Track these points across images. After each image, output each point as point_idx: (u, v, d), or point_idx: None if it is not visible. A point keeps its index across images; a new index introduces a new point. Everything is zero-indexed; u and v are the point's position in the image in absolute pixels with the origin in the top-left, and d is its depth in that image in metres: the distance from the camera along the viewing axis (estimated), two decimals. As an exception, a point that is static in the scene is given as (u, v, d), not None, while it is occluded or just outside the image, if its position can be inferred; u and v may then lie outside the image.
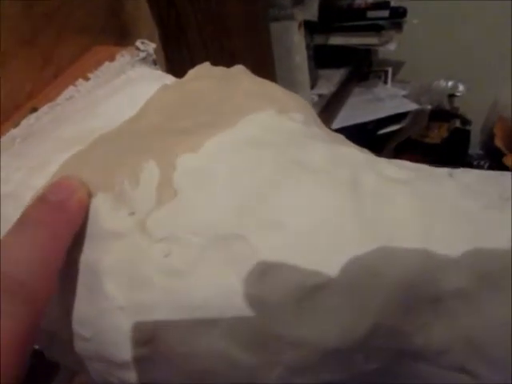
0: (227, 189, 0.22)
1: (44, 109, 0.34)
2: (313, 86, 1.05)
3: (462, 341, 0.19)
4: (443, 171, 0.26)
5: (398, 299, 0.19)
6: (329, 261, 0.20)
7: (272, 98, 0.28)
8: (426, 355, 0.20)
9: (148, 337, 0.21)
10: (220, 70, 0.32)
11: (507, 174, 0.26)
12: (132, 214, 0.22)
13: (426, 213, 0.21)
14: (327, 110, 1.07)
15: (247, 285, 0.20)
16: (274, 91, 0.30)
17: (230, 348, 0.20)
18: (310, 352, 0.19)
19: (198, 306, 0.20)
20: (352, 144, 0.27)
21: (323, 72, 1.13)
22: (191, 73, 0.32)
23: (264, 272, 0.20)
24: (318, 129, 0.28)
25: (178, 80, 0.32)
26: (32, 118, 0.33)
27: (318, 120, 0.30)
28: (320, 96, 1.04)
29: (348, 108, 1.20)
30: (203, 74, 0.31)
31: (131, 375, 0.22)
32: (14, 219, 0.22)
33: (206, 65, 0.33)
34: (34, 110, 0.34)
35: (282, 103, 0.28)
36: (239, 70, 0.32)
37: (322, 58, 1.11)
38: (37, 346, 0.27)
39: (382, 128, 1.17)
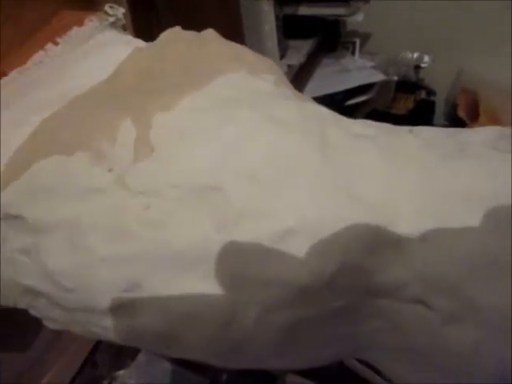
0: (202, 143, 0.23)
1: (14, 73, 0.34)
2: (282, 57, 1.05)
3: (418, 275, 0.21)
4: (404, 128, 0.28)
5: (362, 241, 0.21)
6: (299, 208, 0.21)
7: (243, 59, 0.29)
8: (387, 291, 0.22)
9: (129, 285, 0.22)
10: (191, 34, 0.33)
11: (463, 129, 0.28)
12: (111, 170, 0.23)
13: (388, 163, 0.23)
14: (296, 81, 1.08)
15: (222, 232, 0.21)
16: (245, 54, 0.31)
17: (209, 290, 0.21)
18: (282, 291, 0.21)
19: (177, 254, 0.21)
20: (320, 105, 0.28)
21: (292, 43, 1.13)
22: (163, 36, 0.32)
23: (237, 220, 0.21)
24: (289, 89, 0.29)
25: (150, 43, 0.32)
26: (2, 82, 0.33)
27: (288, 82, 0.31)
28: (289, 66, 1.05)
29: (317, 79, 1.21)
30: (175, 37, 0.32)
31: (114, 323, 0.23)
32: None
33: (177, 29, 0.33)
34: (3, 74, 0.34)
35: (252, 65, 0.29)
36: (210, 33, 0.33)
37: (291, 29, 1.11)
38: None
39: (349, 99, 1.19)
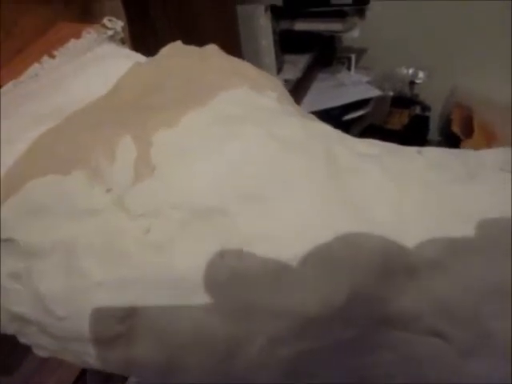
0: (205, 163, 0.22)
1: (8, 86, 0.32)
2: (279, 71, 1.05)
3: (433, 305, 0.20)
4: (412, 149, 0.27)
5: (374, 269, 0.20)
6: (307, 233, 0.20)
7: (246, 76, 0.29)
8: (401, 321, 0.20)
9: (127, 312, 0.21)
10: (193, 49, 0.32)
11: (470, 151, 0.27)
12: (109, 190, 0.22)
13: (396, 184, 0.22)
14: (293, 96, 1.07)
15: (227, 258, 0.20)
16: (247, 70, 0.30)
17: (211, 320, 0.20)
18: (291, 321, 0.20)
19: (178, 280, 0.20)
20: (323, 123, 0.27)
21: (289, 57, 1.13)
22: (164, 51, 0.31)
23: (244, 245, 0.20)
24: (291, 106, 0.28)
25: (150, 58, 0.31)
26: (-5, 95, 0.32)
27: (291, 99, 0.31)
28: (286, 81, 1.04)
29: (313, 94, 1.21)
30: (176, 52, 0.31)
31: (109, 353, 0.22)
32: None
33: (178, 43, 0.32)
34: (-3, 87, 0.33)
35: (255, 81, 0.28)
36: (212, 48, 0.32)
37: (287, 44, 1.11)
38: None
39: (346, 114, 1.19)
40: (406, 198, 0.22)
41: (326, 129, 0.26)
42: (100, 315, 0.21)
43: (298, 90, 1.15)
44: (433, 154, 0.26)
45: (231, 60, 0.31)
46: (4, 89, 0.32)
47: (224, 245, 0.20)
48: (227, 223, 0.20)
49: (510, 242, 0.20)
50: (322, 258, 0.20)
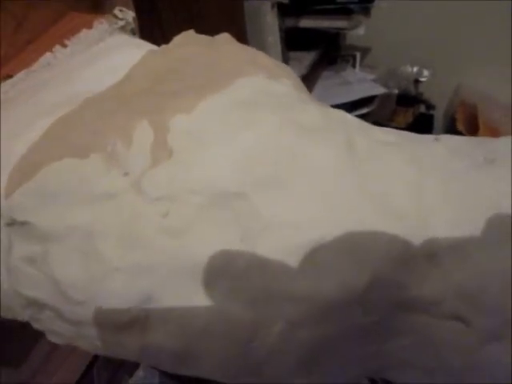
0: (224, 147, 0.22)
1: (20, 75, 0.32)
2: (284, 68, 1.05)
3: (454, 291, 0.20)
4: (429, 136, 0.27)
5: (395, 256, 0.20)
6: (328, 218, 0.20)
7: (261, 64, 0.28)
8: (422, 306, 0.20)
9: (143, 298, 0.20)
10: (206, 38, 0.32)
11: (490, 138, 0.27)
12: (126, 174, 0.22)
13: (416, 171, 0.22)
14: (298, 93, 1.07)
15: (248, 243, 0.20)
16: (262, 58, 0.30)
17: (230, 306, 0.20)
18: (310, 306, 0.19)
19: (197, 266, 0.20)
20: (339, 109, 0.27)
21: (294, 54, 1.13)
22: (177, 39, 0.31)
23: (265, 230, 0.20)
24: (306, 95, 0.28)
25: (163, 46, 0.31)
26: (7, 84, 0.32)
27: (305, 88, 0.30)
28: (291, 78, 1.04)
29: (318, 91, 1.21)
30: (189, 40, 0.31)
31: (125, 338, 0.22)
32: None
33: (191, 32, 0.32)
34: (9, 76, 0.32)
35: (270, 70, 0.28)
36: (225, 37, 0.32)
37: (292, 41, 1.11)
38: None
39: (351, 111, 1.19)
40: (427, 185, 0.22)
41: (345, 115, 0.25)
42: (116, 300, 0.21)
43: (303, 88, 1.14)
44: (450, 141, 0.26)
45: (245, 48, 0.30)
46: (16, 78, 0.32)
47: (243, 230, 0.20)
48: (246, 208, 0.20)
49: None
50: (342, 243, 0.20)
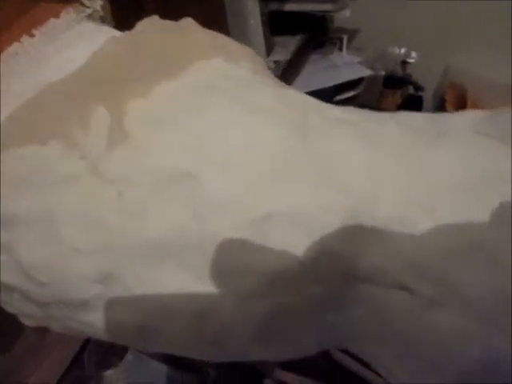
0: (177, 130, 0.22)
1: (-13, 65, 0.33)
2: (269, 53, 1.04)
3: (398, 260, 0.21)
4: (386, 114, 0.28)
5: (340, 226, 0.21)
6: (276, 194, 0.21)
7: (221, 47, 0.29)
8: (369, 276, 0.21)
9: (104, 275, 0.21)
10: (168, 23, 0.32)
11: (446, 114, 0.28)
12: (83, 157, 0.22)
13: (370, 149, 0.23)
14: (284, 77, 1.07)
15: (199, 220, 0.21)
16: (222, 41, 0.30)
17: (185, 281, 0.21)
18: (260, 279, 0.20)
19: (152, 244, 0.21)
20: (301, 92, 0.28)
21: (279, 39, 1.12)
22: (139, 25, 0.31)
23: (215, 207, 0.21)
24: (268, 78, 0.29)
25: (126, 32, 0.31)
26: (-26, 74, 0.32)
27: (268, 71, 0.31)
28: (276, 63, 1.04)
29: (305, 75, 1.21)
30: (151, 26, 0.31)
31: (90, 315, 0.23)
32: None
33: (155, 17, 0.33)
34: (-23, 66, 0.33)
35: (230, 52, 0.29)
36: (188, 22, 0.32)
37: (277, 25, 1.11)
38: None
39: (338, 94, 1.19)
40: (377, 160, 0.23)
41: (302, 97, 0.26)
42: (78, 280, 0.22)
43: (289, 71, 1.14)
44: (406, 118, 0.27)
45: (207, 33, 0.31)
46: (-16, 68, 0.32)
47: (195, 208, 0.21)
48: (198, 187, 0.21)
49: (481, 200, 0.21)
50: (290, 218, 0.20)
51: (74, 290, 0.22)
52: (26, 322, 0.27)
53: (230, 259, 0.20)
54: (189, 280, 0.21)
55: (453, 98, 1.49)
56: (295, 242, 0.20)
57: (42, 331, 0.54)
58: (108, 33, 0.34)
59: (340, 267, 0.21)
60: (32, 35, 0.35)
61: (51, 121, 0.24)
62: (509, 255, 0.18)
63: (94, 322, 0.23)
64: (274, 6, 1.08)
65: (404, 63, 1.41)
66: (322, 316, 0.23)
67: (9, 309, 0.27)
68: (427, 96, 1.50)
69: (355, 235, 0.21)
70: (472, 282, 0.19)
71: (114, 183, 0.21)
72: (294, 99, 0.25)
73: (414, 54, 1.43)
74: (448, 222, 0.21)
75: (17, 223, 0.23)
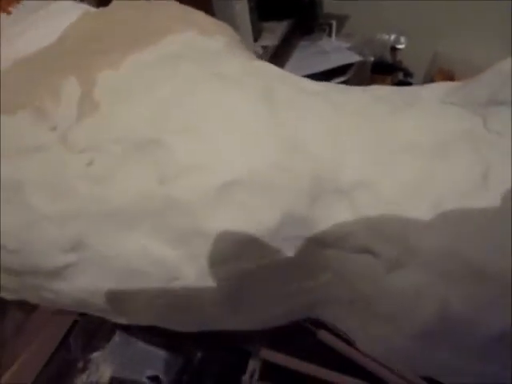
0: (145, 100, 0.22)
1: (-38, 41, 0.33)
2: (256, 39, 1.04)
3: (363, 225, 0.21)
4: (357, 87, 0.28)
5: (305, 191, 0.21)
6: (241, 160, 0.21)
7: (195, 22, 0.29)
8: (334, 241, 0.22)
9: (74, 243, 0.22)
10: (144, 1, 0.32)
11: (416, 87, 0.28)
12: (53, 128, 0.22)
13: (335, 116, 0.23)
14: (272, 63, 1.07)
15: (165, 186, 0.21)
16: (198, 17, 0.30)
17: (153, 246, 0.21)
18: (226, 244, 0.21)
19: (120, 209, 0.21)
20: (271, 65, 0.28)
21: (267, 25, 1.12)
22: (114, 1, 0.31)
23: (181, 173, 0.21)
24: (240, 50, 0.29)
25: (101, 8, 0.31)
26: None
27: (242, 45, 0.31)
28: (264, 48, 1.04)
29: (294, 61, 1.20)
30: (127, 2, 0.31)
31: (62, 284, 0.23)
32: None
33: (130, -6, 0.33)
34: (-48, 43, 0.33)
35: (204, 27, 0.29)
36: (163, -2, 0.32)
37: (265, 11, 1.10)
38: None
39: (327, 80, 1.19)
40: (343, 127, 0.23)
41: (270, 68, 0.26)
42: (48, 247, 0.22)
43: (278, 57, 1.14)
44: (377, 90, 0.27)
45: (181, 8, 0.31)
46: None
47: (161, 174, 0.21)
48: (163, 154, 0.21)
49: (439, 160, 0.21)
50: (254, 183, 0.21)
51: (45, 258, 0.22)
52: (5, 295, 0.27)
53: (197, 224, 0.21)
54: (155, 245, 0.21)
55: (442, 84, 1.49)
56: (261, 207, 0.21)
57: (27, 311, 0.54)
58: (81, 9, 0.34)
59: (304, 232, 0.21)
60: (9, 12, 0.35)
61: (21, 91, 0.24)
62: (465, 218, 0.19)
63: (66, 290, 0.23)
64: (261, -9, 1.07)
65: (393, 49, 1.41)
66: (292, 283, 0.23)
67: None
68: (416, 82, 1.51)
69: (321, 199, 0.21)
70: (430, 244, 0.20)
71: (83, 152, 0.22)
72: (263, 70, 0.25)
73: (403, 39, 1.42)
74: (409, 184, 0.21)
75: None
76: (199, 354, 0.61)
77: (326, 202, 0.21)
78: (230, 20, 0.89)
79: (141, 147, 0.21)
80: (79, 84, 0.23)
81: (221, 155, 0.21)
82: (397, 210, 0.21)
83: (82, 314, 0.66)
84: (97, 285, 0.22)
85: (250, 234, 0.21)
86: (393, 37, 1.42)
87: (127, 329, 0.63)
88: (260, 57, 1.04)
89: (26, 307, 0.54)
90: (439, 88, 0.26)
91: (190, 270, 0.21)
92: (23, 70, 0.25)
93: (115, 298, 0.23)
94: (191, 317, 0.23)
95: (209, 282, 0.21)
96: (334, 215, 0.21)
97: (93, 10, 0.33)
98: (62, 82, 0.23)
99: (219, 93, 0.22)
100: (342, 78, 1.24)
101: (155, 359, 0.62)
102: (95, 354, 0.61)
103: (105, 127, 0.22)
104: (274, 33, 1.10)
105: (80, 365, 0.60)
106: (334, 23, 1.36)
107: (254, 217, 0.21)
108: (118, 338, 0.63)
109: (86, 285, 0.23)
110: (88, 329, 0.63)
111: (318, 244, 0.22)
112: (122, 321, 0.25)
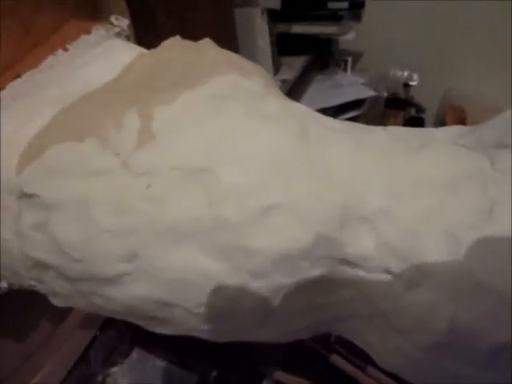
0: (197, 132, 0.26)
1: (27, 75, 0.37)
2: (276, 72, 1.09)
3: (383, 248, 0.24)
4: (378, 127, 0.32)
5: (334, 217, 0.24)
6: (279, 187, 0.24)
7: (236, 64, 0.33)
8: (358, 261, 0.25)
9: (130, 254, 0.25)
10: (190, 43, 0.36)
11: (431, 129, 0.32)
12: (117, 154, 0.26)
13: (360, 152, 0.26)
14: (290, 96, 1.11)
15: (215, 208, 0.24)
16: (238, 60, 0.34)
17: (201, 259, 0.24)
18: (264, 259, 0.24)
19: (173, 227, 0.25)
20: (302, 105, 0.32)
21: (286, 59, 1.17)
22: (164, 44, 0.36)
23: (228, 197, 0.24)
24: (275, 91, 0.33)
25: (152, 50, 0.35)
26: (17, 82, 0.36)
27: (275, 85, 0.35)
28: (283, 82, 1.09)
29: (310, 94, 1.25)
30: (175, 44, 0.35)
31: (115, 290, 0.26)
32: (10, 164, 0.26)
33: (177, 38, 0.37)
34: (18, 76, 0.37)
35: (244, 69, 0.33)
36: (207, 42, 0.36)
37: (285, 46, 1.16)
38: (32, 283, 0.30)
39: (341, 114, 1.24)
40: (365, 161, 0.26)
41: (302, 108, 0.30)
42: (107, 257, 0.25)
43: (295, 90, 1.19)
44: (396, 130, 0.31)
45: (224, 52, 0.35)
46: (24, 77, 0.37)
47: (211, 197, 0.24)
48: (213, 180, 0.25)
49: (451, 194, 0.24)
50: (290, 207, 0.24)
51: (104, 267, 0.25)
52: (55, 300, 0.31)
53: (240, 241, 0.24)
54: (202, 259, 0.24)
55: (453, 120, 1.53)
56: (296, 229, 0.24)
57: (54, 324, 0.57)
58: (134, 49, 0.38)
59: (332, 252, 0.24)
60: (66, 49, 0.40)
61: (88, 122, 0.28)
62: (472, 238, 0.22)
63: (118, 296, 0.26)
64: (281, 28, 1.13)
65: (406, 85, 1.46)
66: (317, 298, 0.26)
67: (40, 287, 0.30)
68: (429, 117, 1.55)
69: (347, 225, 0.25)
70: (442, 266, 0.23)
71: (142, 176, 0.25)
72: (298, 110, 0.29)
73: (415, 76, 1.47)
74: (424, 213, 0.24)
75: (55, 207, 0.26)
76: (214, 373, 0.63)
77: (351, 227, 0.24)
78: (253, 54, 0.94)
79: (194, 173, 0.25)
80: (139, 117, 0.27)
81: (263, 182, 0.24)
82: (413, 235, 0.24)
83: (103, 330, 0.69)
84: (147, 293, 0.26)
85: (286, 252, 0.24)
86: (406, 73, 1.48)
87: (145, 346, 0.66)
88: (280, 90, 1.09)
89: (54, 320, 0.58)
90: (452, 131, 0.29)
91: (230, 283, 0.24)
92: (89, 103, 0.29)
93: (162, 304, 0.26)
94: (226, 327, 0.26)
95: (245, 294, 0.24)
96: (358, 239, 0.24)
97: (143, 50, 0.37)
98: (124, 114, 0.27)
99: (261, 128, 0.26)
100: (357, 112, 1.29)
101: (172, 376, 0.64)
102: (114, 369, 0.64)
103: (162, 155, 0.26)
104: (293, 67, 1.16)
105: (99, 378, 0.62)
106: (350, 59, 1.42)
107: (289, 237, 0.24)
108: (135, 354, 0.66)
109: (137, 292, 0.26)
110: (107, 344, 0.66)
111: (344, 264, 0.25)
112: (164, 330, 0.28)
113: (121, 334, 0.64)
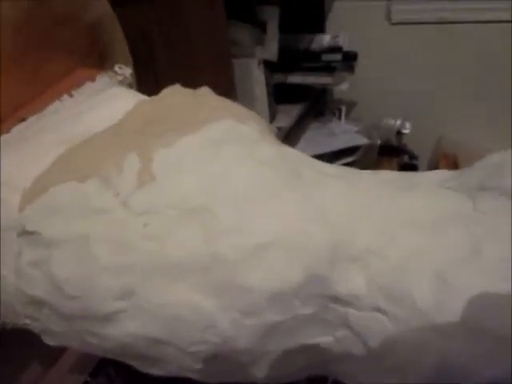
0: (195, 173, 0.27)
1: (32, 119, 0.39)
2: (272, 120, 1.13)
3: (374, 286, 0.25)
4: (368, 171, 0.33)
5: (325, 256, 0.25)
6: (272, 226, 0.25)
7: (233, 111, 0.35)
8: (349, 300, 0.25)
9: (126, 291, 0.25)
10: (189, 90, 0.38)
11: (420, 173, 0.33)
12: (117, 194, 0.27)
13: (351, 194, 0.28)
14: (286, 143, 1.14)
15: (211, 246, 0.25)
16: (234, 107, 0.36)
17: (195, 297, 0.25)
18: (257, 296, 0.24)
19: (171, 264, 0.25)
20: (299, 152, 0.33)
21: (282, 107, 1.22)
22: (164, 91, 0.38)
23: (223, 235, 0.25)
24: (270, 137, 0.34)
25: (153, 97, 0.37)
26: (22, 126, 0.38)
27: (270, 131, 0.37)
28: (279, 129, 1.12)
29: (305, 141, 1.29)
30: (174, 92, 0.37)
31: (110, 328, 0.26)
32: (12, 203, 0.27)
33: (177, 86, 0.39)
34: (23, 119, 0.39)
35: (241, 116, 0.34)
36: (205, 90, 0.38)
37: (281, 95, 1.21)
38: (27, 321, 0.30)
39: (336, 160, 1.27)
40: (357, 202, 0.27)
41: (296, 153, 0.32)
42: (103, 294, 0.26)
43: (290, 138, 1.22)
44: (385, 174, 0.32)
45: (221, 99, 0.37)
46: (29, 120, 0.38)
47: (207, 235, 0.25)
48: (210, 218, 0.26)
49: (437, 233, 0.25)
50: (283, 246, 0.25)
51: (99, 305, 0.26)
52: (48, 339, 0.31)
53: (234, 278, 0.25)
54: (199, 296, 0.25)
55: (445, 167, 1.57)
56: (287, 267, 0.25)
57: (46, 367, 0.56)
58: (136, 96, 0.40)
59: (323, 290, 0.25)
60: (71, 95, 0.42)
61: (91, 163, 0.29)
62: (459, 277, 0.23)
63: (112, 334, 0.27)
64: (278, 78, 1.18)
65: (399, 133, 1.51)
66: (311, 338, 0.26)
67: (34, 325, 0.30)
68: (421, 164, 1.58)
69: (338, 263, 0.25)
70: (430, 302, 0.23)
71: (140, 216, 0.26)
72: (292, 155, 0.30)
73: (408, 124, 1.52)
74: (412, 252, 0.25)
75: (56, 244, 0.27)
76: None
77: (342, 265, 0.25)
78: (250, 102, 0.98)
79: (191, 212, 0.26)
80: (139, 159, 0.28)
81: (256, 221, 0.25)
82: (402, 274, 0.25)
83: (93, 376, 0.68)
84: (140, 330, 0.26)
85: (278, 290, 0.24)
86: (398, 122, 1.53)
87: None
88: (275, 136, 1.12)
89: (45, 362, 0.57)
90: (438, 175, 0.30)
91: (223, 320, 0.25)
92: (92, 146, 0.30)
93: (156, 343, 0.26)
94: (219, 367, 0.26)
95: (239, 332, 0.25)
96: (349, 277, 0.25)
97: (144, 97, 0.39)
98: (124, 156, 0.28)
99: (256, 172, 0.27)
100: (351, 159, 1.32)
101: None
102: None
103: (161, 195, 0.27)
104: (289, 115, 1.20)
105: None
106: (344, 108, 1.47)
107: (280, 274, 0.25)
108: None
109: (131, 330, 0.26)
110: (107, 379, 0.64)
111: (336, 302, 0.25)
112: (157, 371, 0.28)
113: (111, 380, 0.62)
